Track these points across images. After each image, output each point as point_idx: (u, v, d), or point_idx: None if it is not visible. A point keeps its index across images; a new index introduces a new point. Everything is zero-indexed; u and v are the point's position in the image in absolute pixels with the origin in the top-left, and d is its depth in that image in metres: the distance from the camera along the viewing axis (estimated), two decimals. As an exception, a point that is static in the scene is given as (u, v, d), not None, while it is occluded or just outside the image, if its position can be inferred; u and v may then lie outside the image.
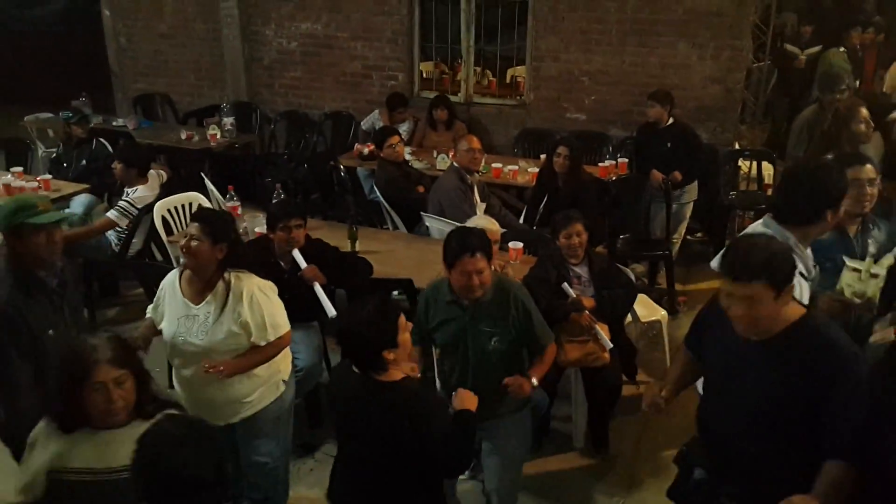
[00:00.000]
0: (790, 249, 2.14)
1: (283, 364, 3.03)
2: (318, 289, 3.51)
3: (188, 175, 6.15)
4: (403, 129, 6.44)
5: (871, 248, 2.84)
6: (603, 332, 3.53)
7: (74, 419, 2.07)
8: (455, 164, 4.92)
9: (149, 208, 4.80)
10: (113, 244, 4.89)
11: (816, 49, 7.60)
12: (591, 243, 3.82)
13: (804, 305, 2.24)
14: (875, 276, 2.75)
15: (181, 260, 2.83)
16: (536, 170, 5.38)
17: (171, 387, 3.04)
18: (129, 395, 2.06)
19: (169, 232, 4.80)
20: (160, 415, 2.06)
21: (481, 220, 3.77)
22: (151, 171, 5.01)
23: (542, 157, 5.51)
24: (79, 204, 5.50)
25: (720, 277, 2.13)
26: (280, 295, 2.95)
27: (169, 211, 4.85)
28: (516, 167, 5.81)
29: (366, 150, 6.07)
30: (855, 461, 1.97)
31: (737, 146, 6.37)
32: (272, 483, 3.11)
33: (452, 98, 6.91)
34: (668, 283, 5.25)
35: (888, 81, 7.09)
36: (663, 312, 4.42)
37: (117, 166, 4.88)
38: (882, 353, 2.65)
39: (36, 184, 5.29)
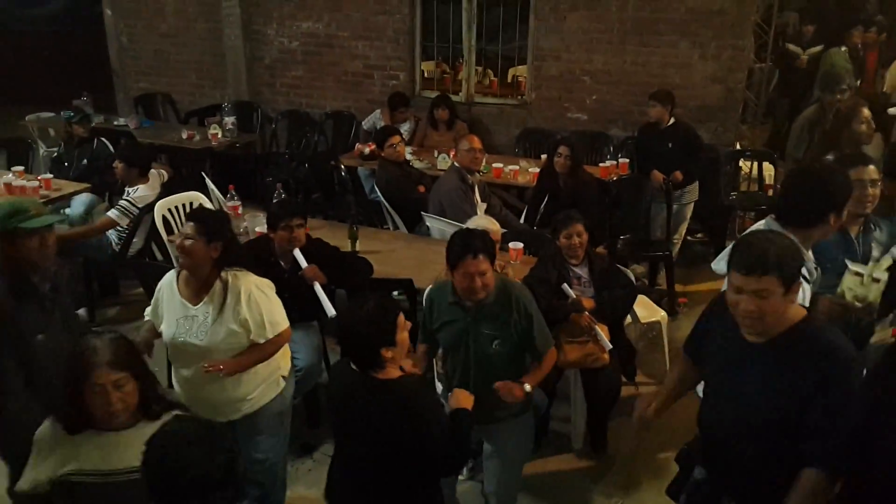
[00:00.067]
0: (798, 247, 2.14)
1: (282, 360, 3.04)
2: (318, 288, 3.52)
3: (189, 174, 6.16)
4: (404, 128, 6.44)
5: (875, 253, 2.82)
6: (602, 332, 3.53)
7: (78, 420, 2.07)
8: (456, 163, 4.92)
9: (149, 208, 4.80)
10: (113, 243, 4.90)
11: (818, 49, 7.59)
12: (592, 244, 3.82)
13: (805, 307, 2.24)
14: (877, 280, 2.74)
15: (181, 260, 2.83)
16: (537, 170, 5.39)
17: (171, 386, 3.04)
18: (129, 398, 2.05)
19: (170, 231, 4.80)
20: (167, 416, 2.06)
21: (482, 219, 3.77)
22: (152, 170, 5.02)
23: (543, 156, 5.51)
24: (80, 203, 5.51)
25: (721, 278, 2.13)
26: (280, 295, 2.95)
27: (170, 210, 4.85)
28: (517, 167, 5.81)
29: (367, 150, 6.07)
30: (843, 468, 1.97)
31: (738, 146, 6.37)
32: (271, 479, 3.12)
33: (454, 98, 6.91)
34: (669, 283, 5.25)
35: (888, 81, 7.08)
36: (663, 313, 4.42)
37: (118, 166, 4.88)
38: (882, 353, 2.65)
39: (37, 183, 5.29)
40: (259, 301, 2.80)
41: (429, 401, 2.38)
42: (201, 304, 2.77)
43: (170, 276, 2.91)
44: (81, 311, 4.83)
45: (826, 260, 2.78)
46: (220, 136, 6.67)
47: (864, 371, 2.09)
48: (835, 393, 1.97)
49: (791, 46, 7.80)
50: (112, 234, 4.89)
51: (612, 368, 3.64)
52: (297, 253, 3.57)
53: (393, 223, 5.20)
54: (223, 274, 2.78)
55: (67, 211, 5.55)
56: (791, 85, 7.69)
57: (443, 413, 2.40)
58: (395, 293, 4.07)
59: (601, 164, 5.85)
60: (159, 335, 2.90)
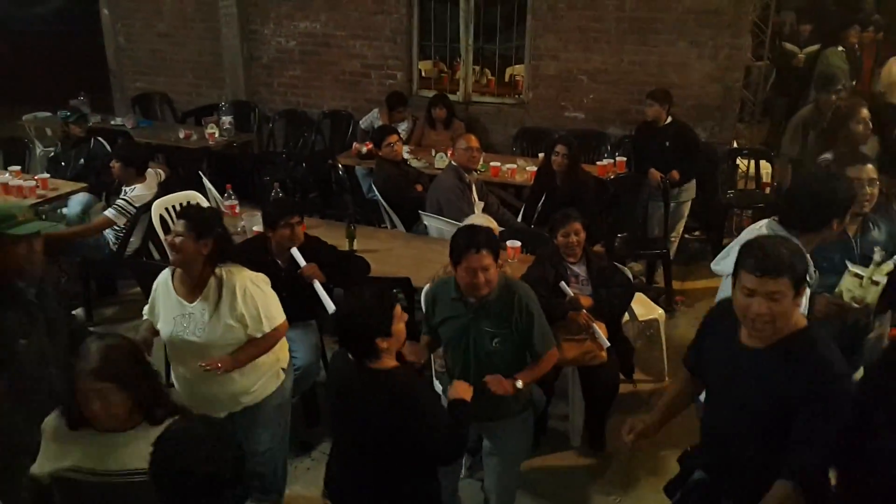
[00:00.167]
0: (803, 251, 2.15)
1: (281, 353, 3.06)
2: (317, 286, 3.52)
3: (186, 174, 6.15)
4: (402, 127, 6.45)
5: (877, 256, 2.81)
6: (600, 330, 3.53)
7: (78, 417, 2.06)
8: (453, 162, 4.92)
9: (147, 207, 4.79)
10: (111, 243, 4.89)
11: (815, 48, 7.59)
12: (589, 242, 3.82)
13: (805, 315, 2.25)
14: (876, 283, 2.74)
15: (171, 257, 2.84)
16: (535, 168, 5.39)
17: (170, 384, 3.04)
18: (115, 409, 1.99)
19: (167, 231, 4.76)
20: (171, 420, 2.03)
21: (479, 218, 3.76)
22: (149, 169, 5.01)
23: (541, 155, 5.51)
24: (76, 203, 5.50)
25: (718, 277, 2.13)
26: (278, 294, 2.96)
27: (167, 209, 4.84)
28: (515, 166, 5.81)
29: (364, 149, 6.07)
30: (813, 487, 1.95)
31: (735, 145, 6.38)
32: (271, 470, 3.14)
33: (451, 97, 6.90)
34: (666, 281, 5.26)
35: (882, 80, 7.09)
36: (661, 311, 4.42)
37: (115, 165, 4.87)
38: (879, 350, 2.66)
39: (34, 183, 5.28)
40: (255, 295, 2.80)
41: (423, 391, 2.39)
42: (197, 301, 2.78)
43: (165, 274, 2.91)
44: (79, 311, 4.83)
45: (822, 258, 2.79)
46: (217, 135, 6.66)
47: (855, 385, 2.09)
48: (816, 408, 1.95)
49: (788, 45, 7.80)
50: (109, 234, 4.88)
51: (610, 366, 3.64)
52: (295, 251, 3.57)
53: (390, 222, 5.20)
54: (217, 270, 2.79)
55: (64, 210, 5.54)
56: (788, 84, 7.70)
57: (438, 403, 2.42)
58: (393, 292, 4.07)
59: (598, 163, 5.86)
60: (158, 333, 2.90)
